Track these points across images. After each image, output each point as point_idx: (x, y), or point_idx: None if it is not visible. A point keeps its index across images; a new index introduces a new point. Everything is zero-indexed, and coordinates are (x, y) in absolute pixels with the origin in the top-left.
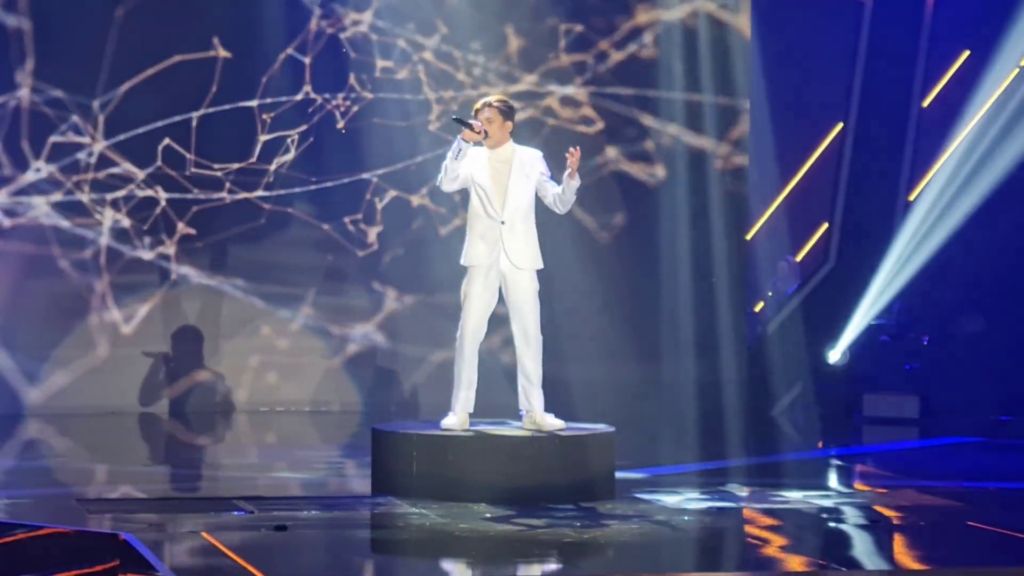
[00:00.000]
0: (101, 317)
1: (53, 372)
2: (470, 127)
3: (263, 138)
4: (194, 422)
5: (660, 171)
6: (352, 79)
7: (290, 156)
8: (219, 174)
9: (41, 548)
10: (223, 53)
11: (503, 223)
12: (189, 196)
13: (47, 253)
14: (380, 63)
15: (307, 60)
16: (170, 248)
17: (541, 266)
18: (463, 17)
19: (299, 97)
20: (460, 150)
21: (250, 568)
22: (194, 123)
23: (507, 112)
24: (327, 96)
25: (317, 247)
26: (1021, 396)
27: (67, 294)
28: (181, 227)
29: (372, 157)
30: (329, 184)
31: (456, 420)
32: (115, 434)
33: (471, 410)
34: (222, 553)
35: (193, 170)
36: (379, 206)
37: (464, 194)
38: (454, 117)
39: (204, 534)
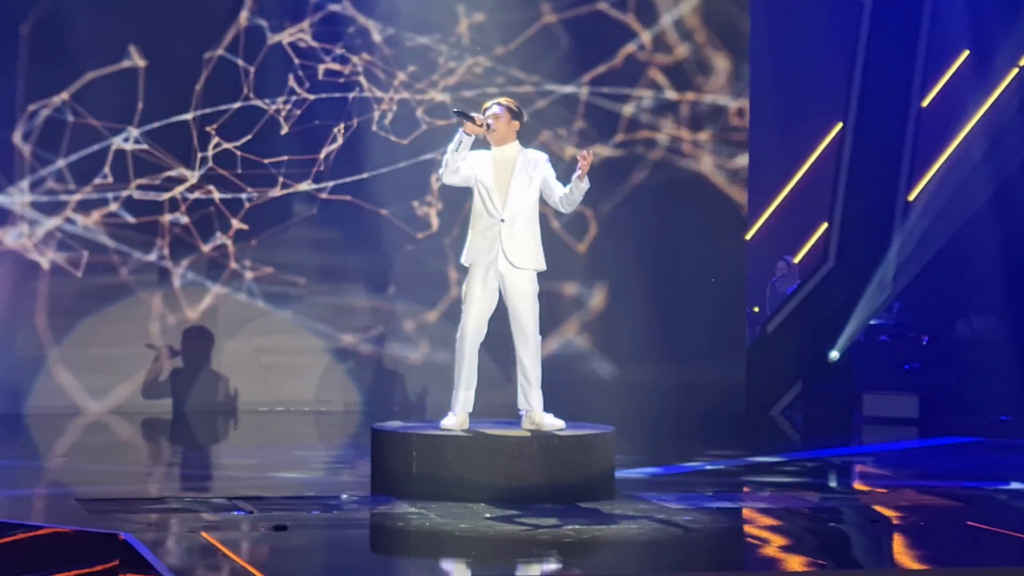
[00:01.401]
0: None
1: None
2: (472, 120)
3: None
4: (195, 422)
5: (660, 171)
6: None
7: (337, 145)
8: (272, 170)
9: (41, 548)
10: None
11: (503, 221)
12: (243, 195)
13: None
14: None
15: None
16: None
17: (542, 267)
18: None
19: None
20: (461, 142)
21: (250, 568)
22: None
23: (515, 112)
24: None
25: (316, 246)
26: (1021, 396)
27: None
28: (235, 223)
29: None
30: (347, 179)
31: (456, 420)
32: (116, 434)
33: (471, 410)
34: (222, 553)
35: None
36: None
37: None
38: (456, 110)
39: (204, 534)
